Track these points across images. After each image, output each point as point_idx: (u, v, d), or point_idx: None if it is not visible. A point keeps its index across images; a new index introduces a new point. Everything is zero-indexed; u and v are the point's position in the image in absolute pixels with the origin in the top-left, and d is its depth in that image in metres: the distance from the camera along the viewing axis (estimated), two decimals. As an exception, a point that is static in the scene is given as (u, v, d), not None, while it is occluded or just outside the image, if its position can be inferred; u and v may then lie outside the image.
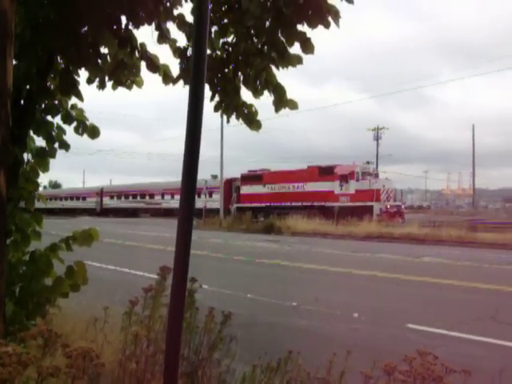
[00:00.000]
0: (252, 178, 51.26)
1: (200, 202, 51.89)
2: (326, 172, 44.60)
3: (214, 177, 55.04)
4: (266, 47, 3.96)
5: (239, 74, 4.28)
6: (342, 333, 7.60)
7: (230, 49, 4.13)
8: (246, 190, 51.44)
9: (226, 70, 4.20)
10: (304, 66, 4.15)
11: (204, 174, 55.02)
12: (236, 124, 4.71)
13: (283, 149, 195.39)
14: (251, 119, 4.40)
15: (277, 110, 4.12)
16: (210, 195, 55.36)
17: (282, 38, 3.88)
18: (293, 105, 4.13)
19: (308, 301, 9.90)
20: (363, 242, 29.19)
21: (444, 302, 10.50)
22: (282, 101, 4.10)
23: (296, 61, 4.01)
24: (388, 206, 40.61)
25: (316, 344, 6.66)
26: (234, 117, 4.49)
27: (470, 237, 26.93)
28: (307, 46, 3.83)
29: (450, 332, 7.62)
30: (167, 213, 60.43)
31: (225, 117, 4.48)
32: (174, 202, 60.60)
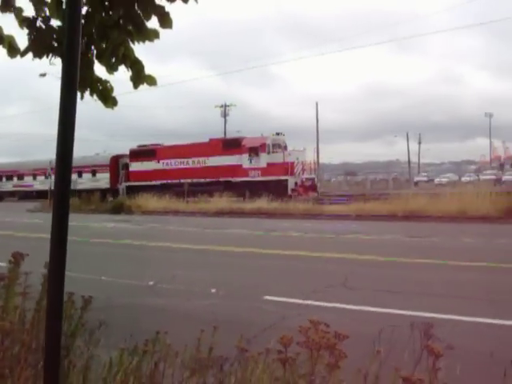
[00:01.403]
0: (143, 153, 47.05)
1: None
2: (231, 145, 41.97)
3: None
4: (122, 20, 3.80)
5: (92, 47, 4.07)
6: (202, 309, 7.64)
7: (83, 21, 3.91)
8: (136, 167, 47.07)
9: (79, 43, 3.97)
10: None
11: (51, 154, 51.36)
12: (87, 101, 4.48)
13: (132, 126, 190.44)
14: (106, 96, 4.21)
15: (135, 86, 3.99)
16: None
17: (139, 11, 3.74)
18: (151, 81, 4.02)
19: (165, 279, 9.84)
20: (215, 218, 29.52)
21: (298, 272, 10.93)
22: (140, 77, 3.96)
23: (153, 35, 3.89)
24: (303, 180, 38.89)
25: (177, 322, 6.63)
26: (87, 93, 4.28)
27: (317, 209, 28.19)
28: (165, 21, 3.72)
29: (305, 301, 7.93)
30: (41, 195, 51.79)
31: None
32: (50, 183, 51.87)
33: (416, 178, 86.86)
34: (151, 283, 9.55)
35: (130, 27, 3.80)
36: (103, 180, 49.75)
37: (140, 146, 49.19)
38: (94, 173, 51.12)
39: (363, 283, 9.38)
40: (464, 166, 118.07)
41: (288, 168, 38.23)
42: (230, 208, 31.96)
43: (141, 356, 3.32)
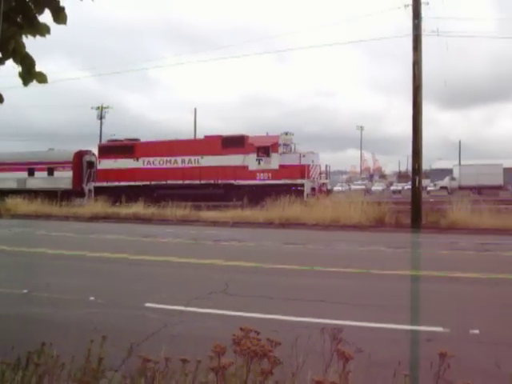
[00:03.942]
0: (117, 149, 40.17)
1: None
2: (233, 143, 36.18)
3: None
4: (12, 12, 3.57)
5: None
6: (80, 318, 7.37)
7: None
8: (107, 164, 40.20)
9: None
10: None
11: None
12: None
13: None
14: (-13, 91, 3.94)
15: (25, 83, 3.75)
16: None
17: (31, 4, 3.54)
18: (42, 78, 3.80)
19: (39, 287, 9.42)
20: (90, 222, 28.68)
21: (179, 279, 10.85)
22: (31, 73, 3.73)
23: (45, 30, 3.69)
24: (320, 185, 35.29)
25: (54, 332, 6.32)
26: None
27: (194, 216, 28.12)
28: (59, 16, 3.55)
29: (188, 308, 7.87)
30: None
31: None
32: None
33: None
34: (25, 291, 9.08)
35: (20, 20, 3.58)
36: (64, 179, 42.49)
37: (111, 141, 43.28)
38: (50, 171, 43.34)
39: (243, 290, 9.48)
40: (336, 176, 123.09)
41: (304, 171, 34.37)
42: (105, 213, 31.14)
43: (24, 370, 3.12)
